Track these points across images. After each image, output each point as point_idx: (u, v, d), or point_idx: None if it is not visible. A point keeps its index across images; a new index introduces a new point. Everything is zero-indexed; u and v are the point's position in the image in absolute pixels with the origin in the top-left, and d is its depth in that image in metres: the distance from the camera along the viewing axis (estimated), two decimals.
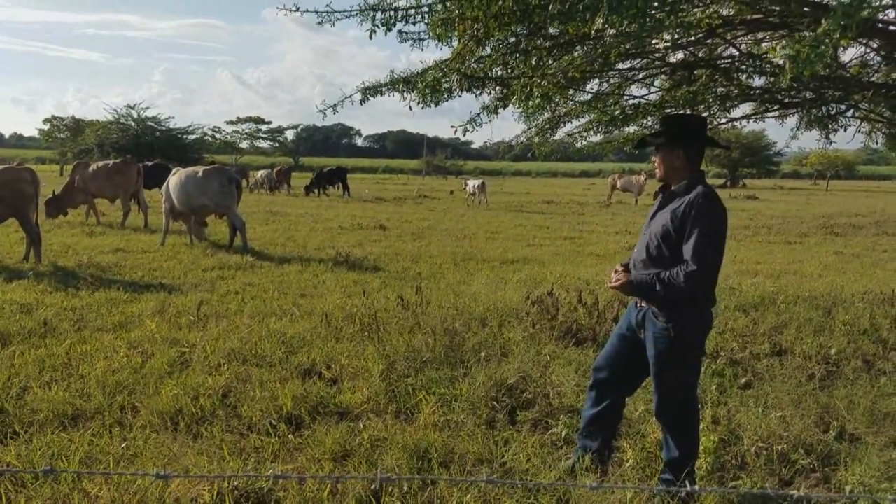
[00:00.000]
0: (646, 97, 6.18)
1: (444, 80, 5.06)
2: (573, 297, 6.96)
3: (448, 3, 4.08)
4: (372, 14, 3.99)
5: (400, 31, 4.70)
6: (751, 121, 6.87)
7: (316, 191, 30.83)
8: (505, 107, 5.61)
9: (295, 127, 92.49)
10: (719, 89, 5.92)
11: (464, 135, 5.85)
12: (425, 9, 4.03)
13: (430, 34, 4.57)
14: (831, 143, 7.13)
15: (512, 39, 5.02)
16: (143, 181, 16.19)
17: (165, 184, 12.57)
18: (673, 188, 3.55)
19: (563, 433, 4.19)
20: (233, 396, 4.75)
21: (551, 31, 4.77)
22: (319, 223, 17.50)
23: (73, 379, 5.02)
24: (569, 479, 3.66)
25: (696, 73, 5.91)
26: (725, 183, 54.52)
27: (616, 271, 3.66)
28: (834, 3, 3.15)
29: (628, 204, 28.24)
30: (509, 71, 5.32)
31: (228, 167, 17.03)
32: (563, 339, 6.04)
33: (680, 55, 5.96)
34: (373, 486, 3.46)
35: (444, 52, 5.05)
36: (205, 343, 5.86)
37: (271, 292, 8.26)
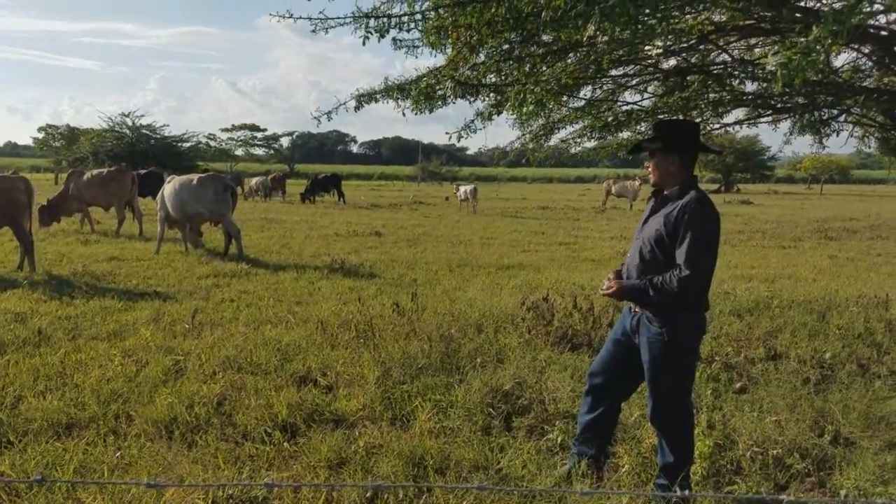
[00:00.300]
0: (639, 103, 6.21)
1: (437, 87, 5.08)
2: (568, 302, 6.97)
3: (441, 11, 4.09)
4: (365, 21, 4.00)
5: (394, 39, 4.72)
6: (744, 126, 6.91)
7: (311, 197, 30.85)
8: (499, 113, 5.63)
9: (290, 134, 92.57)
10: (712, 95, 5.95)
11: (458, 141, 5.86)
12: (418, 16, 4.05)
13: (424, 41, 4.59)
14: (824, 147, 7.17)
15: (505, 46, 5.04)
16: (137, 189, 16.17)
17: (161, 192, 12.56)
18: (665, 193, 3.56)
19: (559, 439, 4.18)
20: (228, 405, 4.73)
21: (544, 38, 4.79)
22: (315, 230, 17.49)
23: (67, 388, 5.00)
24: (564, 484, 3.66)
25: (688, 79, 5.94)
26: (720, 188, 54.70)
27: (608, 279, 3.67)
28: (825, 10, 3.17)
29: (623, 209, 28.30)
30: (503, 78, 5.34)
31: (223, 175, 17.01)
32: (558, 344, 6.04)
33: (673, 61, 5.99)
34: (368, 494, 3.46)
35: (438, 60, 5.06)
36: (200, 351, 5.84)
37: (266, 300, 8.25)
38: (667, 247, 3.40)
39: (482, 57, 5.06)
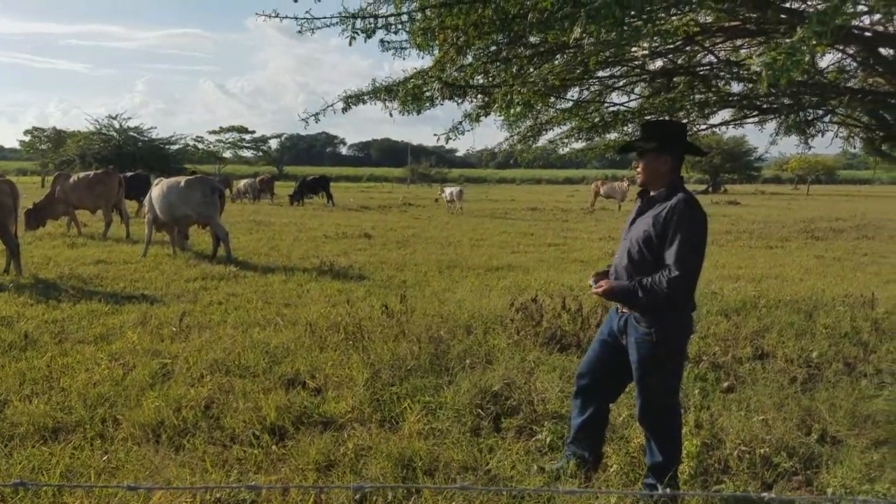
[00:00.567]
0: (626, 104, 6.23)
1: (425, 89, 5.07)
2: (557, 303, 6.99)
3: (428, 12, 4.10)
4: (352, 22, 3.99)
5: (381, 40, 4.71)
6: (730, 127, 6.94)
7: (299, 199, 30.79)
8: (487, 114, 5.63)
9: (279, 136, 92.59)
10: (698, 96, 5.97)
11: (447, 142, 5.87)
12: (405, 17, 4.05)
13: (411, 43, 4.59)
14: (810, 147, 7.21)
15: (492, 48, 5.05)
16: (124, 192, 16.08)
17: (148, 194, 12.50)
18: (653, 194, 3.58)
19: (548, 439, 4.19)
20: (215, 408, 4.71)
21: (531, 39, 4.80)
22: (304, 232, 17.45)
23: (53, 392, 4.97)
24: (553, 484, 3.66)
25: (674, 80, 5.96)
26: (707, 188, 54.96)
27: (592, 278, 3.69)
28: (810, 11, 3.20)
29: (611, 210, 28.39)
30: (490, 79, 5.35)
31: (211, 177, 16.94)
32: (547, 345, 6.06)
33: (659, 63, 6.02)
34: (357, 496, 3.45)
35: (426, 61, 5.06)
36: (187, 354, 5.82)
37: (255, 302, 8.22)
38: (655, 247, 3.42)
39: (469, 58, 5.07)
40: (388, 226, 19.94)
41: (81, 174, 16.10)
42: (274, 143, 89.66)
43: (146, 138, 54.85)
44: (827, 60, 6.49)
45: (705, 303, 7.54)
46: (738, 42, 6.10)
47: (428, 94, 5.10)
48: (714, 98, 6.02)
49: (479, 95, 5.45)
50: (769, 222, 22.52)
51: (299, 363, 5.63)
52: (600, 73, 5.83)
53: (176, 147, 56.89)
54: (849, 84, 6.36)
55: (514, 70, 5.21)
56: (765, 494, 1.90)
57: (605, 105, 6.29)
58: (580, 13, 3.30)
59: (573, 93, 6.13)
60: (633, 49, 5.32)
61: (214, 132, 78.08)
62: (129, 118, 55.02)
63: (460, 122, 5.73)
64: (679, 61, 6.12)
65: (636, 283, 3.42)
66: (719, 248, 14.67)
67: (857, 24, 5.31)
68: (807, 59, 2.84)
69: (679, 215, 3.35)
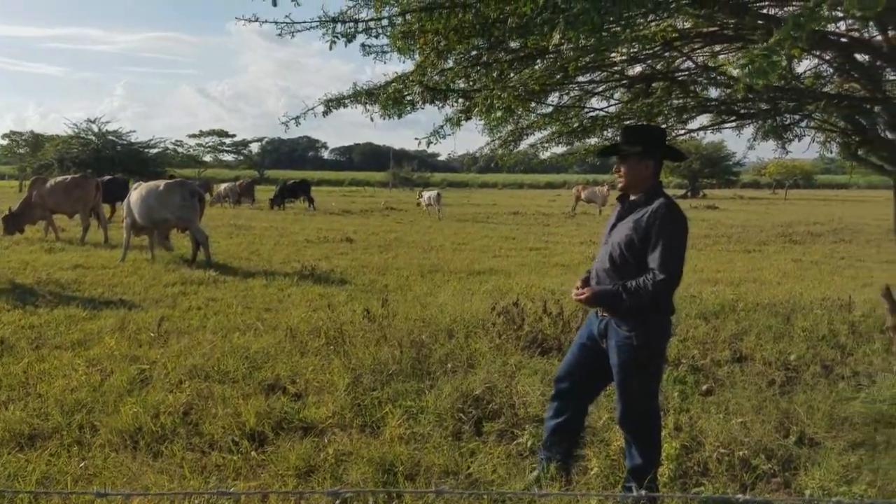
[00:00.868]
0: (605, 109, 6.27)
1: (406, 93, 5.07)
2: (539, 307, 7.01)
3: (408, 16, 4.09)
4: (332, 26, 3.98)
5: (362, 44, 4.71)
6: (709, 132, 7.00)
7: (281, 204, 30.64)
8: (468, 119, 5.63)
9: (260, 140, 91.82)
10: (676, 101, 6.02)
11: (428, 147, 5.87)
12: (385, 21, 4.05)
13: (392, 46, 4.59)
14: (787, 152, 7.29)
15: (473, 52, 5.06)
16: (101, 196, 15.92)
17: (126, 199, 12.39)
18: (633, 198, 3.61)
19: (529, 443, 4.20)
20: (194, 414, 4.67)
21: (511, 44, 4.81)
22: (285, 237, 17.37)
23: (30, 398, 4.91)
24: (534, 488, 3.66)
25: (653, 85, 6.01)
26: (686, 193, 55.35)
27: (577, 286, 3.70)
28: (787, 16, 3.24)
29: (592, 214, 28.52)
30: (471, 83, 5.35)
31: (191, 181, 16.82)
32: (528, 348, 6.07)
33: (638, 68, 6.06)
34: (337, 502, 3.43)
35: (408, 65, 5.07)
36: (166, 360, 5.76)
37: (235, 307, 8.16)
38: (637, 251, 3.45)
39: (450, 62, 5.07)
40: (371, 230, 19.90)
41: (58, 178, 15.92)
42: (255, 147, 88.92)
43: (125, 142, 54.44)
44: (804, 66, 6.57)
45: (684, 306, 7.59)
46: (717, 48, 6.16)
47: (409, 98, 5.10)
48: (692, 103, 6.07)
49: (461, 100, 5.45)
50: (747, 226, 22.74)
51: (280, 368, 5.59)
52: (580, 79, 5.86)
53: (155, 151, 56.56)
54: (825, 89, 6.44)
55: (494, 75, 5.22)
56: (740, 496, 1.92)
57: (585, 110, 6.32)
58: (559, 19, 3.31)
59: (553, 98, 6.16)
60: (613, 55, 5.36)
61: (194, 136, 77.33)
62: (108, 122, 54.85)
63: (441, 127, 5.74)
64: (658, 67, 6.17)
65: (620, 286, 3.44)
66: (698, 252, 14.78)
67: (833, 29, 5.38)
68: (783, 62, 2.87)
69: (661, 220, 3.39)
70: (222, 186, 34.64)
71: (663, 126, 6.23)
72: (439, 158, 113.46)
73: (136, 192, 12.01)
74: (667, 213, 3.42)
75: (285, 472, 3.89)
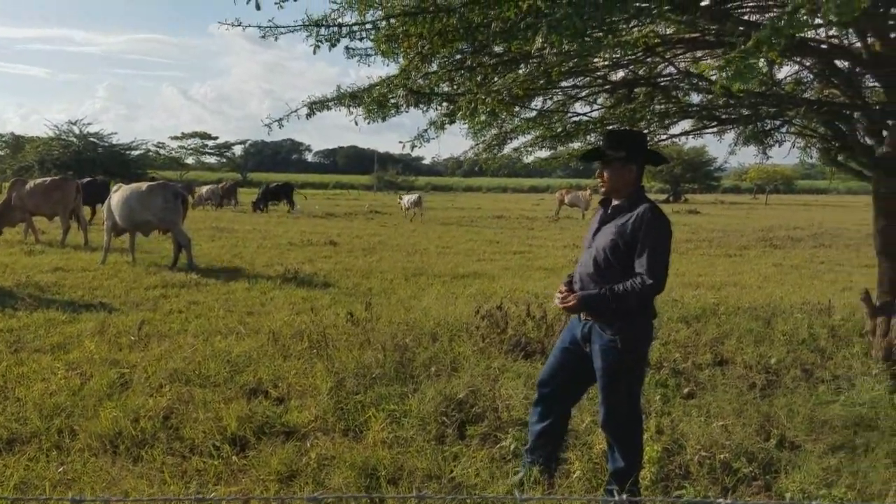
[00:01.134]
0: (588, 114, 6.30)
1: (390, 96, 5.08)
2: (522, 310, 7.01)
3: (393, 21, 4.10)
4: (316, 30, 3.98)
5: (346, 47, 4.71)
6: (690, 137, 7.06)
7: (263, 207, 30.49)
8: (452, 122, 5.65)
9: (243, 142, 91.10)
10: (659, 107, 6.07)
11: (412, 150, 5.94)
12: (370, 25, 4.04)
13: (376, 50, 4.59)
14: (768, 157, 7.38)
15: (457, 56, 5.07)
16: (81, 198, 15.77)
17: (107, 201, 12.28)
18: (616, 203, 3.63)
19: (512, 446, 4.19)
20: (175, 418, 4.63)
21: (495, 48, 4.83)
22: (268, 239, 17.28)
23: (9, 402, 4.85)
24: (517, 492, 3.67)
25: (636, 90, 6.05)
26: (668, 198, 55.69)
27: (561, 292, 3.70)
28: (767, 22, 3.27)
29: (576, 219, 28.63)
30: (455, 87, 5.37)
31: (173, 183, 16.70)
32: (512, 352, 6.07)
33: (620, 73, 6.11)
34: None
35: (392, 68, 5.07)
36: (146, 363, 5.71)
37: (217, 310, 8.11)
38: (622, 255, 3.47)
39: (434, 66, 5.08)
40: (354, 233, 19.86)
41: (38, 180, 15.74)
42: (238, 150, 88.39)
43: (106, 144, 53.99)
44: (784, 72, 6.65)
45: (666, 310, 7.63)
46: (698, 53, 6.23)
47: (393, 101, 5.11)
48: (674, 109, 6.12)
49: (445, 103, 5.47)
50: (728, 231, 22.92)
51: (262, 372, 5.56)
52: (563, 84, 5.89)
53: (137, 153, 56.12)
54: (805, 95, 6.52)
55: (478, 79, 5.24)
56: (721, 500, 1.93)
57: (569, 115, 6.36)
58: (542, 23, 3.33)
59: (537, 102, 6.19)
60: (595, 60, 5.39)
61: (176, 138, 76.75)
62: (90, 124, 54.22)
63: (426, 130, 5.75)
64: (640, 72, 6.22)
65: (607, 290, 3.45)
66: (680, 256, 14.87)
67: (813, 36, 5.45)
68: (762, 66, 2.91)
69: (648, 224, 3.42)
70: (204, 189, 34.33)
71: (645, 131, 6.28)
72: (424, 162, 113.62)
73: (118, 195, 11.89)
74: (653, 217, 3.45)
75: (267, 477, 3.86)
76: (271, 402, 4.97)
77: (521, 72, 5.27)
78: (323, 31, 4.00)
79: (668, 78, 6.11)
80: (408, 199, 28.02)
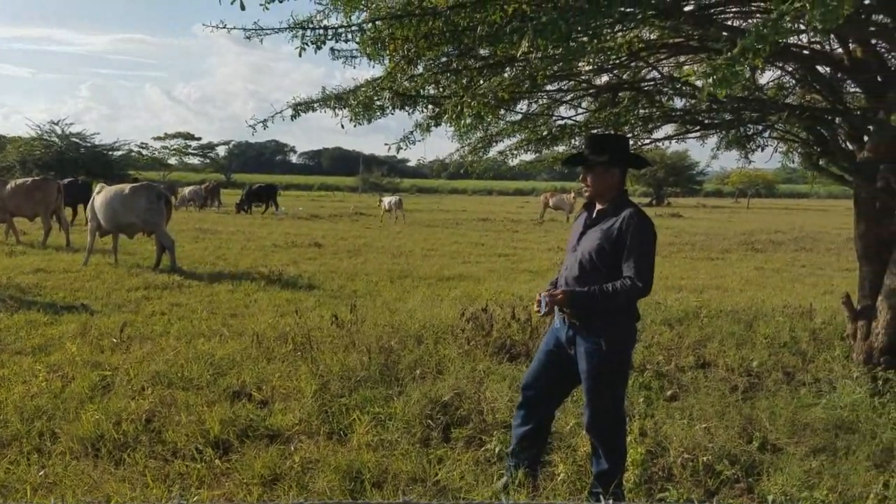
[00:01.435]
0: (573, 118, 6.33)
1: (376, 98, 5.07)
2: (507, 312, 7.03)
3: (378, 23, 4.09)
4: (301, 32, 3.96)
5: (332, 49, 4.69)
6: (673, 141, 7.11)
7: (246, 208, 30.35)
8: (438, 125, 5.65)
9: (227, 143, 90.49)
10: (642, 111, 6.10)
11: (398, 152, 5.88)
12: (355, 28, 4.04)
13: (362, 52, 4.58)
14: (750, 162, 7.44)
15: (443, 59, 5.08)
16: (63, 199, 15.64)
17: (91, 202, 12.17)
18: (600, 207, 3.65)
19: (497, 449, 4.20)
20: (157, 421, 4.60)
21: (481, 52, 4.84)
22: (252, 241, 17.20)
23: None
24: (502, 496, 3.67)
25: (620, 95, 6.09)
26: (651, 201, 55.96)
27: (548, 291, 3.71)
28: (751, 28, 3.31)
29: (560, 221, 28.72)
30: (441, 90, 5.37)
31: (156, 184, 16.58)
32: (497, 354, 6.09)
33: (605, 78, 6.14)
34: None
35: (377, 70, 5.07)
36: (128, 366, 5.66)
37: (200, 312, 8.05)
38: (608, 259, 3.50)
39: (420, 69, 5.08)
40: (339, 235, 19.81)
41: (19, 181, 15.58)
42: (222, 151, 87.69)
43: (89, 144, 53.43)
44: (767, 77, 6.71)
45: (649, 312, 7.67)
46: (682, 58, 6.27)
47: (379, 103, 5.10)
48: (658, 113, 6.16)
49: (430, 106, 5.47)
50: (711, 234, 23.08)
51: (245, 375, 5.53)
52: (548, 87, 5.92)
53: (119, 153, 55.60)
54: (788, 100, 6.58)
55: (464, 82, 5.25)
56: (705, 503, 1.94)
57: (554, 118, 6.39)
58: (528, 27, 3.34)
59: (522, 106, 6.21)
60: (580, 64, 5.42)
61: (159, 138, 76.13)
62: (72, 124, 53.59)
63: (411, 132, 5.75)
64: (624, 77, 6.26)
65: (595, 288, 3.46)
66: (663, 260, 14.95)
67: (795, 41, 5.50)
68: (746, 72, 2.93)
69: (634, 228, 3.45)
70: (187, 190, 34.07)
71: (629, 135, 6.31)
72: (409, 164, 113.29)
73: (101, 196, 11.79)
74: (638, 221, 3.48)
75: (250, 481, 3.84)
76: (255, 405, 4.95)
77: (506, 75, 5.28)
78: (308, 32, 3.99)
79: (652, 82, 6.16)
80: (388, 200, 28.12)
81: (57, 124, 52.83)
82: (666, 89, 6.00)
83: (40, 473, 3.86)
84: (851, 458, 4.21)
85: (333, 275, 11.59)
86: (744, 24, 5.41)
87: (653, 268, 3.47)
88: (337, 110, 5.18)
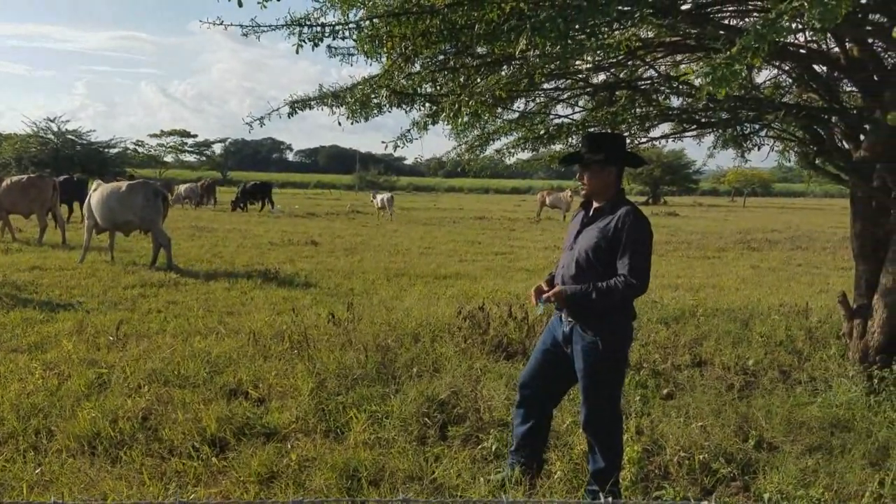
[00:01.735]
0: (570, 117, 6.33)
1: (373, 96, 5.07)
2: (504, 311, 7.03)
3: (376, 21, 4.09)
4: (298, 29, 3.96)
5: (329, 47, 4.69)
6: (670, 140, 7.11)
7: (242, 206, 30.31)
8: (434, 123, 5.65)
9: (223, 141, 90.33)
10: (639, 110, 6.11)
11: (395, 150, 5.93)
12: (352, 25, 4.03)
13: (359, 50, 4.57)
14: (746, 161, 7.45)
15: (440, 57, 5.08)
16: (59, 196, 15.60)
17: (87, 200, 12.15)
18: (597, 205, 3.65)
19: (494, 447, 4.20)
20: (153, 419, 4.59)
21: (478, 50, 4.84)
22: (248, 239, 17.18)
23: None
24: (499, 493, 3.67)
25: (617, 93, 6.09)
26: (648, 200, 56.05)
27: (543, 287, 3.72)
28: (749, 27, 3.31)
29: (557, 220, 28.73)
30: (438, 88, 5.37)
31: (152, 181, 16.54)
32: (493, 353, 6.09)
33: (602, 76, 6.14)
34: None
35: (375, 68, 5.07)
36: (124, 364, 5.65)
37: (196, 310, 8.05)
38: (604, 257, 3.51)
39: (417, 67, 5.08)
40: (336, 233, 19.79)
41: (15, 178, 15.55)
42: (218, 148, 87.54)
43: (85, 142, 53.30)
44: (763, 76, 6.72)
45: (646, 311, 7.68)
46: (679, 57, 6.28)
47: (376, 101, 5.10)
48: (654, 112, 6.16)
49: (427, 104, 5.47)
50: (707, 233, 23.11)
51: (242, 373, 5.53)
52: (546, 86, 5.92)
53: (115, 151, 55.44)
54: (784, 99, 6.58)
55: (461, 80, 5.25)
56: (700, 502, 1.95)
57: (551, 117, 6.39)
58: (525, 26, 3.35)
59: (519, 104, 6.21)
60: (577, 62, 5.42)
61: (155, 136, 76.06)
62: (68, 121, 53.41)
63: (408, 130, 5.75)
64: (621, 75, 6.26)
65: (591, 286, 3.47)
66: (659, 258, 14.97)
67: (792, 41, 5.51)
68: (744, 71, 2.94)
69: (631, 226, 3.46)
70: (182, 187, 34.00)
71: (626, 134, 6.32)
72: (406, 162, 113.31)
73: (97, 194, 11.76)
74: (635, 220, 3.49)
75: (247, 479, 3.84)
76: (251, 403, 4.94)
77: (503, 73, 5.28)
78: (305, 30, 3.98)
79: (649, 81, 6.16)
80: (380, 198, 28.32)
81: (53, 121, 52.71)
82: (663, 88, 6.01)
83: (36, 471, 3.86)
84: (847, 457, 4.22)
85: (330, 273, 11.58)
86: (740, 23, 5.42)
87: (649, 266, 3.49)
88: (334, 108, 5.18)
